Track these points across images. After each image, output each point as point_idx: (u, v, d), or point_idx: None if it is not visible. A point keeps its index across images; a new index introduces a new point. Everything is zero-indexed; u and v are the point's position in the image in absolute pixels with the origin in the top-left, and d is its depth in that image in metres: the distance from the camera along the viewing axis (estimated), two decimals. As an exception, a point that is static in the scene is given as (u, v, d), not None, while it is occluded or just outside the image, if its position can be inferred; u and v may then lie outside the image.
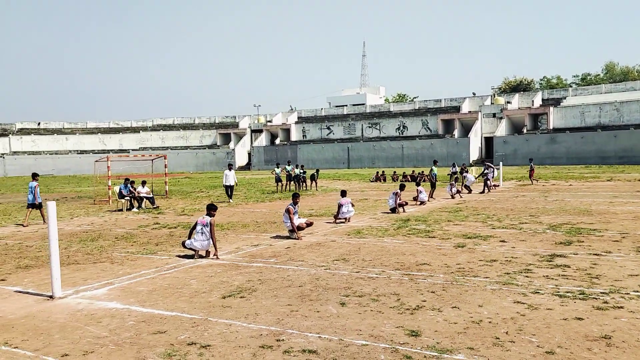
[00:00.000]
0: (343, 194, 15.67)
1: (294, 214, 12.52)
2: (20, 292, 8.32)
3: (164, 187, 28.63)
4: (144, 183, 22.83)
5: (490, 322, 6.09)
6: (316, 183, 30.54)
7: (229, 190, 24.38)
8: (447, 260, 9.52)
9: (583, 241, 11.03)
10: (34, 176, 17.88)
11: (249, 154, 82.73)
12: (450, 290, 7.49)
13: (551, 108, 63.57)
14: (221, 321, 6.46)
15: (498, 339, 5.56)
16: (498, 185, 28.27)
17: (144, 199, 22.29)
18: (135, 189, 22.19)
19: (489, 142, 65.98)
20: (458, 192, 22.95)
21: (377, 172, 39.70)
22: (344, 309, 6.80)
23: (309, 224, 13.15)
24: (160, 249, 11.82)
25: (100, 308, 7.23)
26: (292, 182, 29.36)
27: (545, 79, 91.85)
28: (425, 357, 5.13)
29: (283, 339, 5.74)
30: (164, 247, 11.98)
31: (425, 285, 7.85)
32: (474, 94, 72.79)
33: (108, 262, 10.52)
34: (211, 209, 10.74)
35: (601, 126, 59.68)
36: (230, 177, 24.42)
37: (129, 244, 12.60)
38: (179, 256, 10.83)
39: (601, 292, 7.19)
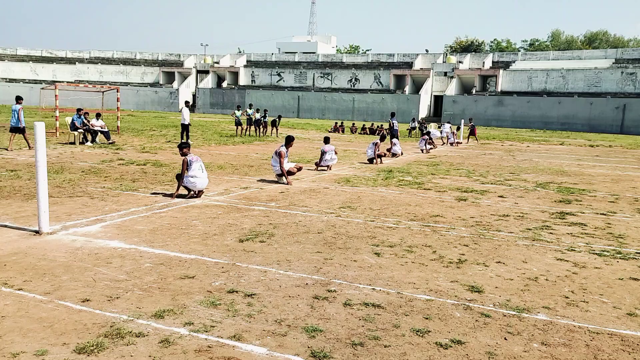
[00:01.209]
0: (326, 140, 14.97)
1: (284, 157, 11.74)
2: (-4, 225, 7.24)
3: (116, 123, 26.84)
4: (98, 116, 21.15)
5: (547, 280, 5.72)
6: (277, 129, 29.56)
7: (186, 129, 22.99)
8: (458, 213, 9.14)
9: (581, 201, 10.95)
10: (18, 99, 17.42)
11: (194, 96, 79.58)
12: (482, 245, 7.09)
13: (501, 71, 64.43)
14: (253, 267, 5.77)
15: (568, 298, 5.19)
16: (461, 142, 28.36)
17: (99, 133, 20.71)
18: (89, 121, 20.55)
19: (437, 100, 66.49)
20: (431, 146, 22.74)
21: (336, 123, 39.06)
22: (381, 259, 6.26)
23: (299, 169, 12.43)
24: (139, 185, 10.80)
25: (103, 247, 6.34)
26: (252, 127, 28.23)
27: (496, 42, 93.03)
28: (504, 315, 4.67)
29: (334, 290, 5.14)
30: (142, 184, 10.97)
31: (453, 237, 7.41)
32: (426, 51, 72.70)
33: (86, 196, 9.46)
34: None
35: (547, 92, 61.22)
36: (187, 116, 23.04)
37: (100, 179, 11.47)
38: (165, 194, 9.90)
39: (636, 252, 6.99)
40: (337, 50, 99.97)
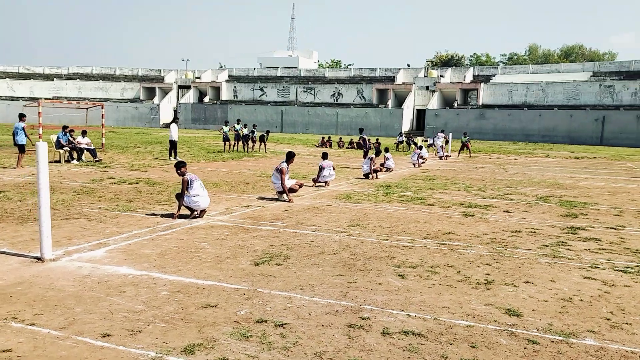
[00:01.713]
0: (324, 156, 14.73)
1: (286, 174, 11.46)
2: (-7, 251, 6.82)
3: (99, 140, 26.27)
4: (84, 133, 20.67)
5: (582, 301, 5.52)
6: (265, 145, 29.25)
7: (174, 146, 22.56)
8: (470, 230, 8.94)
9: (586, 214, 10.86)
10: (21, 117, 17.72)
11: (175, 111, 78.95)
12: (504, 263, 6.88)
13: (481, 84, 65.20)
14: (276, 293, 5.46)
15: (609, 320, 4.99)
16: (450, 156, 28.37)
17: (84, 151, 20.20)
18: (74, 139, 20.04)
19: (420, 114, 66.92)
20: (423, 161, 22.64)
21: (323, 137, 38.91)
22: (406, 281, 6.00)
23: (300, 186, 12.16)
24: (136, 206, 10.42)
25: (112, 274, 5.98)
26: (240, 142, 27.88)
27: (476, 56, 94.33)
28: (552, 341, 4.44)
29: (368, 317, 4.86)
30: (139, 205, 10.58)
31: (472, 256, 7.20)
32: (408, 65, 73.31)
33: (83, 218, 9.05)
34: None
35: (527, 105, 62.02)
36: (175, 132, 22.65)
37: (94, 199, 11.06)
38: (164, 215, 9.54)
39: (660, 269, 6.85)
40: (319, 65, 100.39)
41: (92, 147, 20.54)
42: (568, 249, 7.76)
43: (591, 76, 63.40)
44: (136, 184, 13.65)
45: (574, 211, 11.20)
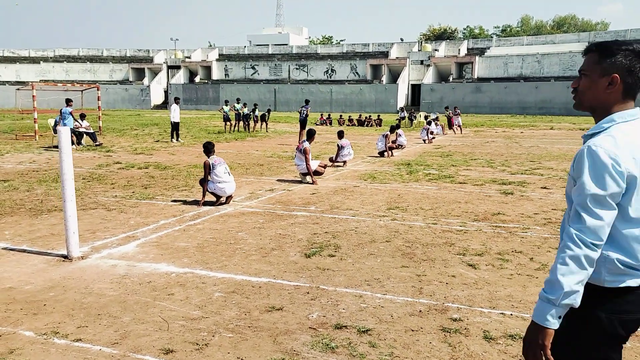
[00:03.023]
0: (340, 135, 14.05)
1: (309, 154, 10.79)
2: (11, 249, 6.15)
3: (97, 123, 25.37)
4: (82, 116, 19.78)
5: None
6: (267, 124, 28.46)
7: (176, 128, 21.70)
8: (518, 210, 8.36)
9: (628, 189, 10.31)
10: (68, 102, 18.52)
11: (166, 92, 77.53)
12: (574, 247, 6.29)
13: (476, 57, 64.34)
14: (342, 290, 4.86)
15: None
16: (460, 127, 27.77)
17: (84, 135, 19.37)
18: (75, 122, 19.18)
19: (415, 89, 66.07)
20: (433, 136, 22.02)
21: (322, 115, 38.11)
22: (480, 272, 5.41)
23: (324, 167, 11.51)
24: (154, 193, 9.74)
25: (153, 273, 5.34)
26: (241, 122, 27.06)
27: (469, 29, 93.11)
28: (680, 341, 3.88)
29: (459, 318, 4.27)
30: (157, 191, 9.90)
31: (536, 240, 6.62)
32: (401, 39, 72.20)
33: (102, 208, 8.37)
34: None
35: (523, 77, 61.34)
36: (177, 113, 21.79)
37: (107, 187, 10.36)
38: (188, 202, 8.88)
39: None
40: (311, 41, 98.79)
41: (92, 131, 19.71)
42: (632, 229, 7.19)
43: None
44: (146, 169, 12.94)
45: (614, 186, 10.65)
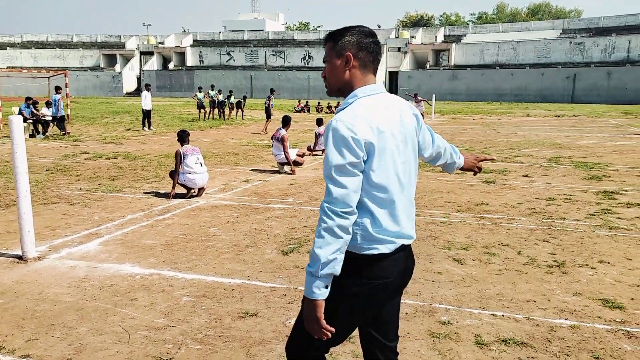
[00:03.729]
0: (319, 122, 13.65)
1: (287, 141, 10.38)
2: (-38, 250, 5.65)
3: (66, 111, 24.45)
4: (49, 104, 18.99)
5: (678, 284, 4.73)
6: (242, 111, 27.88)
7: (148, 115, 21.02)
8: (501, 200, 8.11)
9: (609, 176, 10.17)
10: (57, 89, 18.30)
11: (139, 79, 75.91)
12: (562, 239, 6.06)
13: (453, 45, 64.31)
14: (322, 292, 4.49)
15: None
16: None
17: (50, 124, 18.61)
18: (39, 111, 18.42)
19: (392, 76, 65.81)
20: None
21: (299, 102, 37.61)
22: (467, 267, 5.11)
23: (302, 156, 11.12)
24: (121, 185, 9.24)
25: (115, 275, 4.91)
26: (215, 109, 26.43)
27: (445, 15, 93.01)
28: (683, 343, 3.62)
29: (448, 321, 3.96)
30: (125, 183, 9.41)
31: (522, 231, 6.36)
32: (379, 26, 71.76)
33: (64, 202, 7.87)
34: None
35: (499, 64, 61.52)
36: (149, 100, 21.12)
37: (72, 179, 9.82)
38: (157, 195, 8.42)
39: None
40: (287, 27, 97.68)
41: (59, 116, 18.91)
42: (619, 218, 6.99)
43: (561, 34, 63.13)
44: (114, 159, 12.39)
45: (594, 173, 10.49)
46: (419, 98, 28.88)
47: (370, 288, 2.09)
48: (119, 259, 5.33)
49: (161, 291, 4.53)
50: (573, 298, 4.39)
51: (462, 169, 2.71)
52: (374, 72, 2.19)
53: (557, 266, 5.14)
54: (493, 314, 4.07)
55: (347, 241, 1.97)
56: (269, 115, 21.54)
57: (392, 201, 2.07)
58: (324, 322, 1.99)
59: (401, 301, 4.26)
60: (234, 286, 4.64)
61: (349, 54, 2.11)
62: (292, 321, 3.94)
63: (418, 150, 2.30)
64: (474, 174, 2.82)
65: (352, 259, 2.06)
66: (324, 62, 2.22)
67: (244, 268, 5.09)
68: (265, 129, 20.21)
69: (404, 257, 2.18)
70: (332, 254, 1.94)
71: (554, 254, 5.50)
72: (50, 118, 18.54)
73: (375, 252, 2.06)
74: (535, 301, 4.33)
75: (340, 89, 2.18)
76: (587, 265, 5.18)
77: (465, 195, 8.44)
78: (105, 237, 6.12)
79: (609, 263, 5.24)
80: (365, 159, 2.00)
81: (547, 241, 5.96)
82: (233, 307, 4.21)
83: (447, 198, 8.21)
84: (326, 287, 1.98)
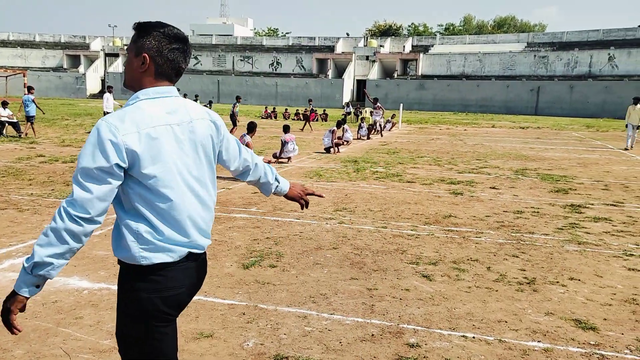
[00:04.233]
0: (286, 129, 13.38)
1: (252, 148, 10.07)
2: None
3: (23, 112, 23.57)
4: (4, 104, 18.22)
5: (649, 302, 4.63)
6: (208, 116, 27.31)
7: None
8: (469, 212, 7.98)
9: (575, 189, 10.20)
10: (30, 89, 18.84)
11: (103, 81, 74.24)
12: (531, 254, 5.93)
13: (421, 55, 64.96)
14: (283, 310, 4.24)
15: (699, 329, 4.10)
16: (395, 124, 27.52)
17: (6, 125, 17.86)
18: (-6, 112, 17.65)
19: (360, 84, 66.04)
20: (369, 132, 21.62)
21: (266, 108, 37.25)
22: (436, 284, 4.92)
23: (268, 163, 10.81)
24: (76, 190, 8.77)
25: (61, 290, 4.55)
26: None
27: (413, 26, 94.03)
28: (659, 368, 3.48)
29: (416, 344, 3.74)
30: (80, 189, 8.93)
31: (491, 245, 6.22)
32: (347, 34, 72.04)
33: (12, 208, 7.40)
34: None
35: (465, 75, 62.46)
36: (111, 103, 20.48)
37: (24, 183, 9.31)
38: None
39: (698, 255, 6.12)
40: (256, 33, 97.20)
41: (15, 120, 18.20)
42: (587, 232, 6.93)
43: (526, 47, 64.52)
44: (71, 163, 11.87)
45: (561, 186, 10.52)
46: (378, 105, 28.70)
47: (156, 300, 1.96)
48: (66, 272, 4.95)
49: (109, 308, 4.19)
50: (545, 318, 4.23)
51: (286, 196, 2.57)
52: (171, 80, 2.08)
53: (528, 283, 4.99)
54: (464, 336, 3.87)
55: (74, 250, 1.86)
56: (234, 122, 21.27)
57: (176, 210, 1.97)
58: (14, 317, 1.88)
59: (368, 321, 4.06)
60: (190, 303, 4.32)
61: (146, 56, 2.00)
62: (251, 343, 3.67)
63: (223, 161, 2.27)
64: (302, 208, 2.67)
65: (133, 268, 1.97)
66: (127, 50, 2.11)
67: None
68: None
69: (194, 267, 2.10)
70: (48, 256, 1.82)
71: (524, 270, 5.37)
72: (6, 119, 17.78)
73: (158, 261, 1.96)
74: (506, 321, 4.15)
75: (132, 86, 2.07)
76: (557, 282, 5.05)
77: (432, 206, 8.30)
78: (54, 247, 5.71)
79: (579, 280, 5.13)
80: (126, 166, 1.87)
81: (517, 256, 5.83)
82: (187, 326, 3.90)
83: (414, 209, 8.05)
84: (37, 287, 1.88)
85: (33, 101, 18.16)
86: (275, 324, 3.98)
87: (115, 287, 4.48)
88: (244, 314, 4.17)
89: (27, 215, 7.08)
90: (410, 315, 4.22)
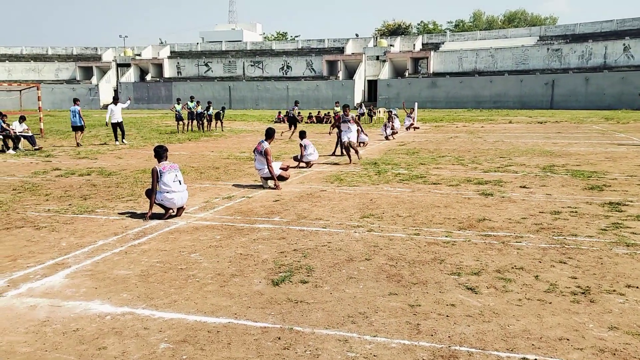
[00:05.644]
0: (302, 135, 13.05)
1: (271, 155, 9.78)
2: None
3: (39, 125, 23.59)
4: (22, 119, 18.13)
5: None
6: (222, 123, 27.17)
7: (119, 128, 20.13)
8: (503, 214, 7.59)
9: (610, 185, 9.75)
10: (75, 101, 19.39)
11: (116, 91, 74.59)
12: (579, 259, 5.53)
13: (431, 52, 64.37)
14: (321, 332, 3.89)
15: None
16: (418, 127, 27.12)
17: (21, 139, 17.74)
18: (9, 126, 17.54)
19: (371, 84, 65.61)
20: (393, 133, 21.23)
21: (279, 112, 37.00)
22: (483, 298, 4.55)
23: (286, 169, 10.52)
24: (94, 205, 8.53)
25: (82, 316, 4.25)
26: (194, 121, 25.67)
27: (422, 24, 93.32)
28: None
29: (473, 367, 3.37)
30: (98, 202, 8.70)
31: (534, 251, 5.83)
32: (357, 35, 71.68)
33: (30, 226, 7.14)
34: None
35: (478, 72, 61.73)
36: (118, 113, 20.21)
37: (41, 199, 9.08)
38: (132, 216, 7.74)
39: None
40: (265, 37, 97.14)
41: (30, 134, 18.07)
42: (633, 233, 6.51)
43: (538, 40, 63.63)
44: (88, 176, 11.64)
45: (594, 182, 10.07)
46: (413, 108, 28.09)
47: None
48: (86, 295, 4.66)
49: (135, 336, 3.88)
50: (610, 333, 3.85)
51: None
52: None
53: (583, 293, 4.61)
54: (524, 358, 3.50)
55: None
56: (294, 124, 23.53)
57: None
58: None
59: (416, 343, 3.71)
60: (220, 327, 4.01)
61: None
62: (291, 373, 3.33)
63: None
64: None
65: None
66: None
67: (230, 303, 4.46)
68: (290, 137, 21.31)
69: None
70: None
71: (575, 278, 4.98)
72: (21, 133, 17.67)
73: None
74: (568, 339, 3.77)
75: None
76: (614, 291, 4.65)
77: (464, 210, 7.91)
78: (73, 267, 5.43)
79: (637, 288, 4.72)
80: None
81: (564, 262, 5.43)
82: (219, 355, 3.58)
83: (445, 213, 7.67)
84: None
85: (79, 112, 19.00)
86: (314, 350, 3.64)
87: (139, 312, 4.19)
88: (279, 338, 3.83)
89: (44, 233, 6.82)
90: (461, 335, 3.86)
